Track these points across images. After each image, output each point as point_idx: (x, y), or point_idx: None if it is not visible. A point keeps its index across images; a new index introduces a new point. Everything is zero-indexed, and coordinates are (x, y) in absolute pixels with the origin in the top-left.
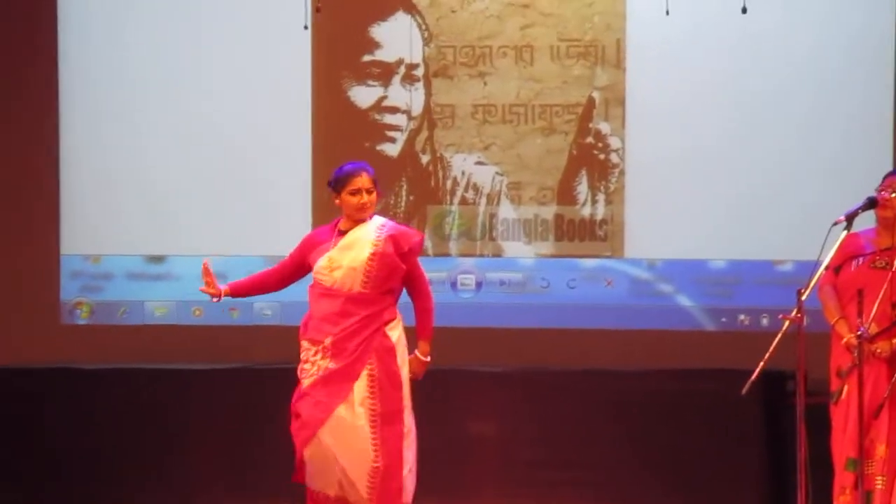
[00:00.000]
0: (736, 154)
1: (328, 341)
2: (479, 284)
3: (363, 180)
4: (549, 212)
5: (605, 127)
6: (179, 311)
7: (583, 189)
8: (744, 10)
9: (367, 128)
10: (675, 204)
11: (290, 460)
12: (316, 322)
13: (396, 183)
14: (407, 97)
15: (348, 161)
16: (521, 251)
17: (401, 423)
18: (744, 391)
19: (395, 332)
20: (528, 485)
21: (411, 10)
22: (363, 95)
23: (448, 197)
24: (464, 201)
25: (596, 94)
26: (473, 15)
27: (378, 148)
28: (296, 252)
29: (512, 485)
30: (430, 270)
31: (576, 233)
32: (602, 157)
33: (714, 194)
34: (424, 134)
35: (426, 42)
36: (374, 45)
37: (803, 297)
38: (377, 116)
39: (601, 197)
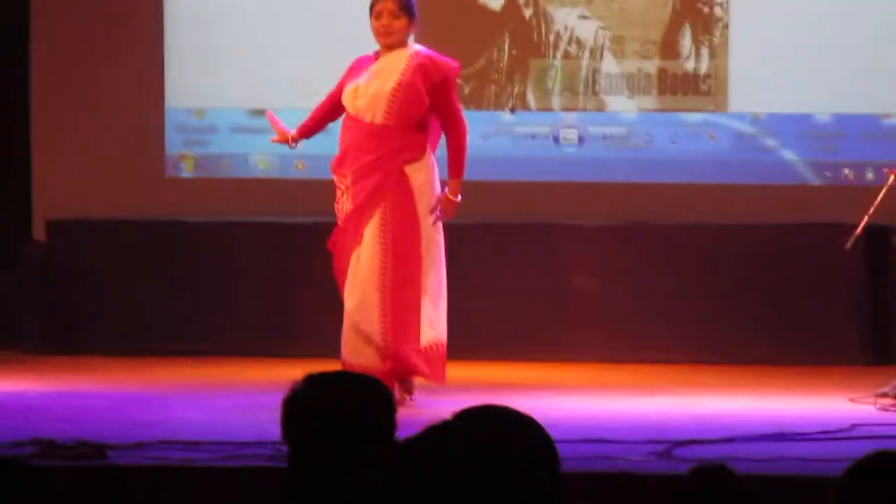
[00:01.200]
0: (841, 6)
1: (348, 180)
2: (581, 139)
3: (387, 3)
4: (652, 66)
5: None
6: (283, 165)
7: (686, 42)
8: None
9: None
10: (779, 57)
11: None
12: (340, 155)
13: (499, 36)
14: None
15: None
16: (623, 105)
17: (417, 289)
18: (847, 245)
19: (421, 174)
20: (627, 336)
21: None
22: None
23: (551, 51)
24: (566, 55)
25: None
26: None
27: (481, 1)
28: (342, 78)
29: (611, 336)
30: (533, 124)
31: (679, 87)
32: (706, 9)
33: (819, 47)
34: None
35: None
36: None
37: None
38: None
39: (705, 50)
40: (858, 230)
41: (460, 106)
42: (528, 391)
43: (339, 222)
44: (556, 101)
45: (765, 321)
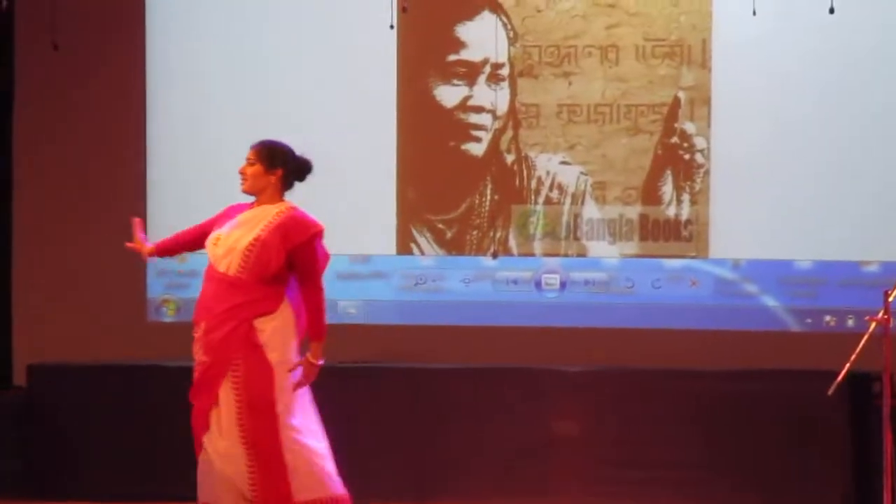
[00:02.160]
0: (821, 154)
1: (201, 329)
2: (563, 284)
3: (250, 150)
4: (633, 212)
5: (690, 127)
6: None
7: (668, 189)
8: (831, 11)
9: (452, 127)
10: (760, 204)
11: (366, 457)
12: (198, 302)
13: (481, 182)
14: (492, 97)
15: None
16: (605, 251)
17: (276, 442)
18: (830, 392)
19: (270, 324)
20: (612, 483)
21: (497, 9)
22: (448, 95)
23: (533, 196)
24: (548, 201)
25: (681, 94)
26: (559, 14)
27: (463, 147)
28: (214, 217)
29: (596, 484)
30: (516, 269)
31: (660, 233)
32: (687, 157)
33: (799, 194)
34: (509, 133)
35: (511, 42)
36: (459, 45)
37: (890, 299)
38: (462, 116)
39: (686, 197)
40: (840, 377)
41: (321, 267)
42: None
43: (195, 374)
44: (537, 246)
45: (746, 468)
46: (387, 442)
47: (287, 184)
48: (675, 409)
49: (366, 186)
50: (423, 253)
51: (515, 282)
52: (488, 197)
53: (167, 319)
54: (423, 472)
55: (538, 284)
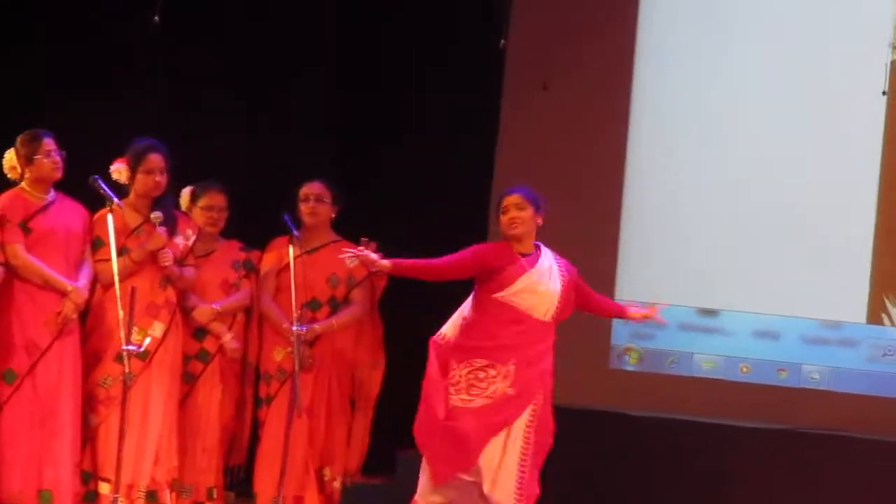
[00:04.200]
0: None
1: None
2: None
3: (512, 198)
4: None
5: None
6: (728, 366)
7: None
8: None
9: None
10: None
11: None
12: (501, 344)
13: None
14: None
15: None
16: None
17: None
18: None
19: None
20: None
21: None
22: None
23: None
24: None
25: None
26: None
27: None
28: (471, 258)
29: None
30: None
31: None
32: None
33: None
34: None
35: None
36: None
37: None
38: None
39: None
40: None
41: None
42: None
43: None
44: None
45: None
46: None
47: None
48: None
49: (840, 248)
50: (893, 323)
51: None
52: None
53: (629, 367)
54: None
55: None
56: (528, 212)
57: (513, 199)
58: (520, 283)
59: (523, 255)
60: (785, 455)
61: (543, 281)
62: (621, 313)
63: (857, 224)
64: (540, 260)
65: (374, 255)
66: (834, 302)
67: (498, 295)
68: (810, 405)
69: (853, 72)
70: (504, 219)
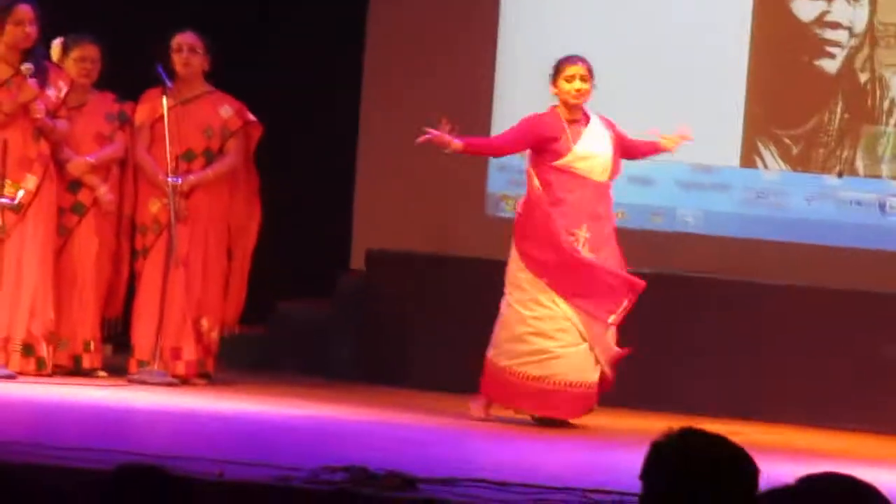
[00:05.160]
0: None
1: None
2: None
3: (579, 68)
4: None
5: None
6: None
7: None
8: None
9: (806, 42)
10: None
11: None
12: (571, 209)
13: (832, 100)
14: (850, 13)
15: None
16: None
17: None
18: None
19: None
20: None
21: None
22: (806, 9)
23: (884, 118)
24: None
25: None
26: None
27: (816, 63)
28: (527, 129)
29: None
30: (860, 191)
31: None
32: None
33: None
34: (865, 52)
35: None
36: None
37: None
38: (818, 31)
39: None
40: None
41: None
42: (853, 462)
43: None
44: (885, 169)
45: None
46: (704, 351)
47: None
48: None
49: (714, 98)
50: (766, 167)
51: (859, 203)
52: (838, 115)
53: (504, 215)
54: (738, 387)
55: (882, 207)
56: (591, 84)
57: (579, 69)
58: (577, 149)
59: (572, 122)
60: (659, 299)
61: (597, 143)
62: (656, 149)
63: (729, 67)
64: (590, 124)
65: (448, 136)
66: (707, 146)
67: (557, 163)
68: (684, 249)
69: None
70: (570, 88)
